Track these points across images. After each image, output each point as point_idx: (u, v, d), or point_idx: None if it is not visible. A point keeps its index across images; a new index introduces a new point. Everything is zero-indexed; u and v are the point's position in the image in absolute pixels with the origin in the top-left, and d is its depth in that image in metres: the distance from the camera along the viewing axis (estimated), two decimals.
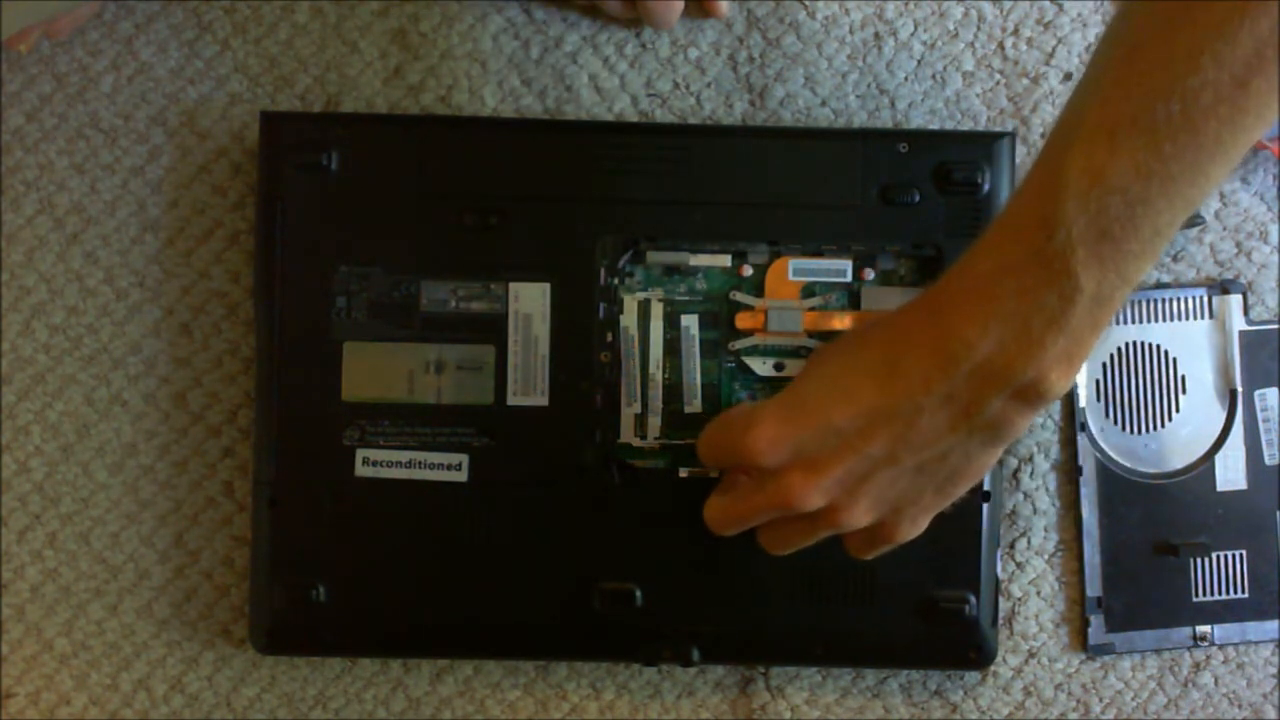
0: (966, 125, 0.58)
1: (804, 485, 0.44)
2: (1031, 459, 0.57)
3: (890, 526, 0.47)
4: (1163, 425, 0.57)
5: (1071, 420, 0.57)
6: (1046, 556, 0.57)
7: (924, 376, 0.42)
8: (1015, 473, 0.57)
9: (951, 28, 0.58)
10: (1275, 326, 0.58)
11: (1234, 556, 0.57)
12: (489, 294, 0.54)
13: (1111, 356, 0.57)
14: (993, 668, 0.57)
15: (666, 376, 0.55)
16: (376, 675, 0.57)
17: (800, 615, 0.54)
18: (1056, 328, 0.40)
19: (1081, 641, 0.57)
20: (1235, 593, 0.57)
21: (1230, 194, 0.58)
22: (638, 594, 0.54)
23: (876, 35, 0.58)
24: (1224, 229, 0.58)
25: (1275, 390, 0.57)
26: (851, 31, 0.58)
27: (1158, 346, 0.57)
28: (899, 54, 0.58)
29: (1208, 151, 0.37)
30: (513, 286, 0.54)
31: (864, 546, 0.49)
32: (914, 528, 0.47)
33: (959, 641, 0.54)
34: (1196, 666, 0.57)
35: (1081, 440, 0.57)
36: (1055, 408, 0.57)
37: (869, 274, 0.55)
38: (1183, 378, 0.57)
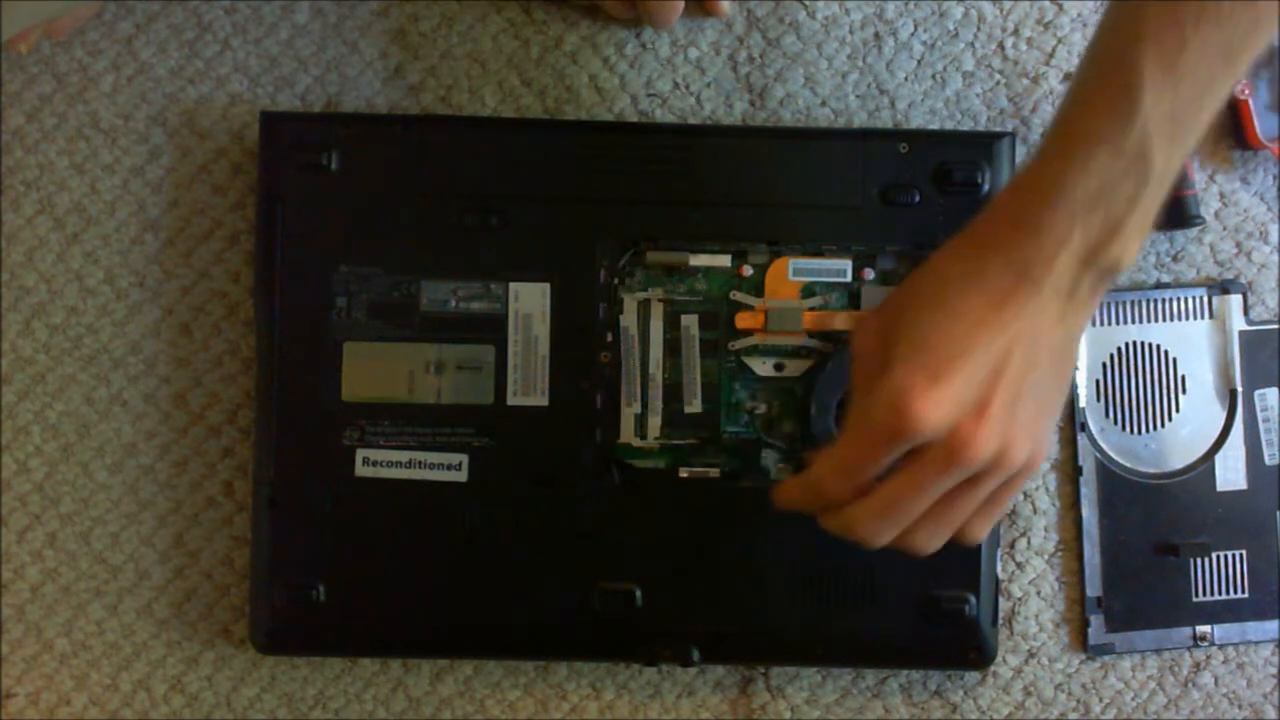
0: (966, 125, 0.58)
1: (977, 429, 0.42)
2: None
3: (1037, 455, 0.44)
4: (1163, 425, 0.57)
5: (1071, 420, 0.57)
6: (1046, 556, 0.57)
7: (1031, 275, 0.42)
8: None
9: (951, 28, 0.58)
10: (1275, 326, 0.58)
11: (1234, 556, 0.57)
12: (489, 294, 0.54)
13: (1111, 356, 0.57)
14: (993, 668, 0.57)
15: (666, 376, 0.55)
16: (376, 675, 0.57)
17: (800, 615, 0.54)
18: (1132, 206, 0.42)
19: (1081, 641, 0.57)
20: (1235, 593, 0.57)
21: (1230, 194, 0.58)
22: (638, 594, 0.54)
23: (876, 35, 0.58)
24: (1224, 229, 0.58)
25: (1275, 390, 0.57)
26: (851, 31, 0.58)
27: (1158, 346, 0.57)
28: (899, 54, 0.58)
29: (1268, 10, 0.39)
30: (513, 286, 0.54)
31: (989, 508, 0.45)
32: (1045, 448, 0.45)
33: (959, 641, 0.54)
34: (1196, 666, 0.57)
35: (1081, 440, 0.57)
36: None
37: (869, 274, 0.55)
38: (1183, 378, 0.57)
